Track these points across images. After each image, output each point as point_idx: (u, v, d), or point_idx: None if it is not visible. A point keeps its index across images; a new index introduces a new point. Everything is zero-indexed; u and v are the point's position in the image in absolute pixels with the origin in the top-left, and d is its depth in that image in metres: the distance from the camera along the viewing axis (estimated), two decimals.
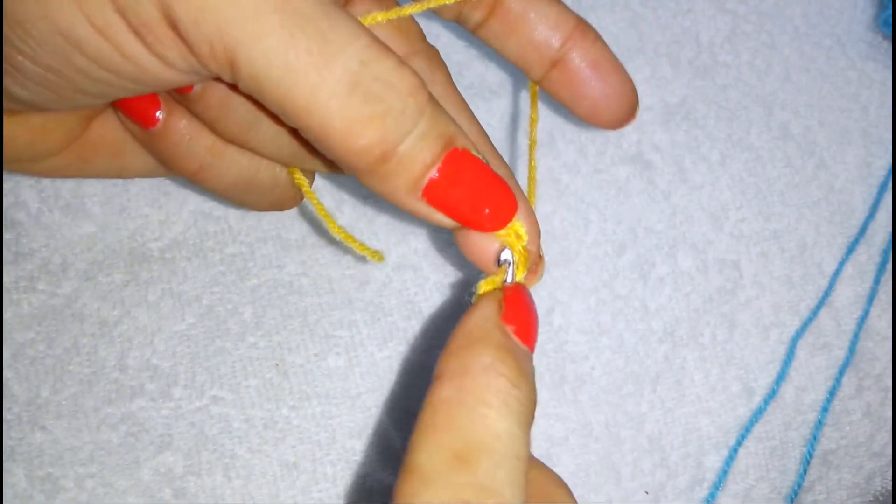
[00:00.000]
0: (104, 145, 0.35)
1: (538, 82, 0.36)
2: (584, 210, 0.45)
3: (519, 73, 0.40)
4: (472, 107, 0.45)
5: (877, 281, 0.45)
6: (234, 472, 0.39)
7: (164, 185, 0.42)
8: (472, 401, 0.25)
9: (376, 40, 0.27)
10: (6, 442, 0.38)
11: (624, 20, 0.48)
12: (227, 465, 0.39)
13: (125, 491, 0.38)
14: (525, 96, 0.46)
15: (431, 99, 0.28)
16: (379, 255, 0.36)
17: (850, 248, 0.45)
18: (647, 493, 0.41)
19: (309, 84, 0.26)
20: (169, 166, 0.35)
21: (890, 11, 0.48)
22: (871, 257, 0.46)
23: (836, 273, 0.45)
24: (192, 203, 0.42)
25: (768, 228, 0.45)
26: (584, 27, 0.35)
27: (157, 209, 0.42)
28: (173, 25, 0.26)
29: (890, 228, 0.46)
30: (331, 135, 0.27)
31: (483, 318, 0.27)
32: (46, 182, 0.42)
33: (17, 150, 0.32)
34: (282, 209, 0.38)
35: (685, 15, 0.49)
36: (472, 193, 0.29)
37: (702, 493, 0.41)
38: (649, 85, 0.47)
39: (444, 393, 0.25)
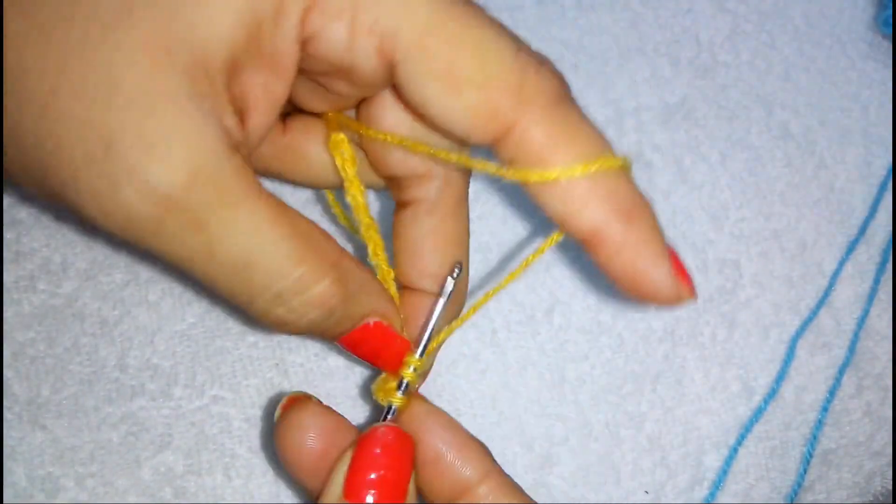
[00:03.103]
0: (297, 151, 0.36)
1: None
2: None
3: None
4: None
5: (877, 281, 0.45)
6: (235, 472, 0.39)
7: None
8: None
9: (302, 266, 0.29)
10: (6, 441, 0.38)
11: (624, 20, 0.48)
12: (227, 464, 0.39)
13: (125, 490, 0.38)
14: None
15: (346, 297, 0.31)
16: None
17: (850, 248, 0.45)
18: (647, 492, 0.41)
19: (232, 301, 0.30)
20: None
21: (890, 11, 0.48)
22: (871, 257, 0.46)
23: (836, 273, 0.45)
24: None
25: (768, 228, 0.45)
26: (638, 214, 0.30)
27: None
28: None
29: (890, 228, 0.46)
30: (257, 320, 0.30)
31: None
32: None
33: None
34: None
35: (685, 15, 0.49)
36: (376, 350, 0.34)
37: (702, 492, 0.41)
38: (649, 85, 0.47)
39: None
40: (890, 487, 0.42)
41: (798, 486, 0.41)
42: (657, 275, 0.30)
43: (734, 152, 0.47)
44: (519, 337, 0.42)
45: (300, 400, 0.33)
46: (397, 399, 0.33)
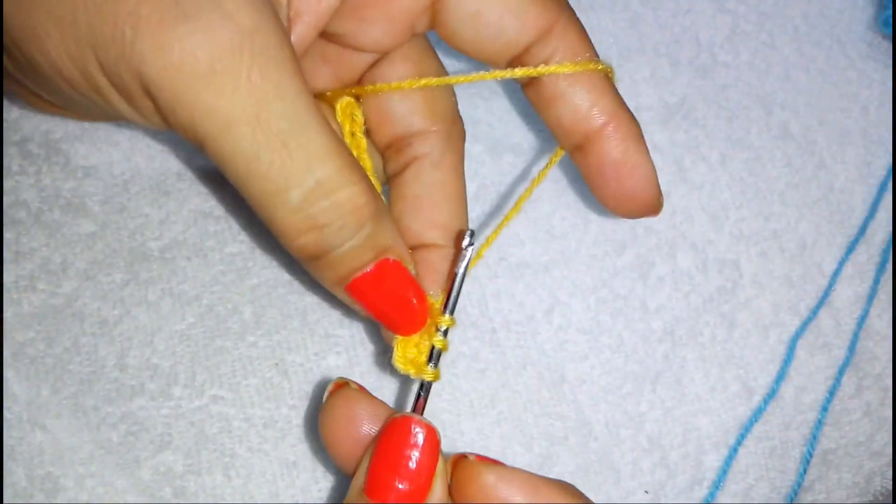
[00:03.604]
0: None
1: (565, 149, 0.37)
2: (584, 209, 0.45)
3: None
4: (471, 106, 0.45)
5: (877, 281, 0.45)
6: (234, 472, 0.39)
7: (165, 184, 0.43)
8: None
9: (340, 160, 0.29)
10: (6, 441, 0.38)
11: (624, 20, 0.48)
12: (226, 464, 0.39)
13: (125, 490, 0.38)
14: (516, 99, 0.46)
15: (375, 214, 0.31)
16: None
17: (850, 248, 0.45)
18: (646, 492, 0.41)
19: (265, 190, 0.29)
20: None
21: (890, 11, 0.48)
22: (871, 257, 0.46)
23: (836, 273, 0.45)
24: (192, 202, 0.42)
25: (768, 228, 0.45)
26: (621, 114, 0.35)
27: (157, 208, 0.42)
28: (153, 99, 0.28)
29: (890, 228, 0.46)
30: (274, 226, 0.30)
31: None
32: (47, 181, 0.42)
33: None
34: None
35: (685, 15, 0.49)
36: (391, 298, 0.33)
37: (701, 492, 0.41)
38: (649, 85, 0.47)
39: None
40: (890, 487, 0.42)
41: (798, 486, 0.41)
42: (650, 170, 0.36)
43: (734, 152, 0.47)
44: (519, 337, 0.42)
45: (344, 385, 0.33)
46: (429, 373, 0.32)
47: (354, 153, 0.36)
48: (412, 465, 0.30)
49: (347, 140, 0.36)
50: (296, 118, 0.28)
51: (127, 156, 0.43)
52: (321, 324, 0.41)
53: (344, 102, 0.35)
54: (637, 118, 0.46)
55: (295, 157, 0.28)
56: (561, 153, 0.37)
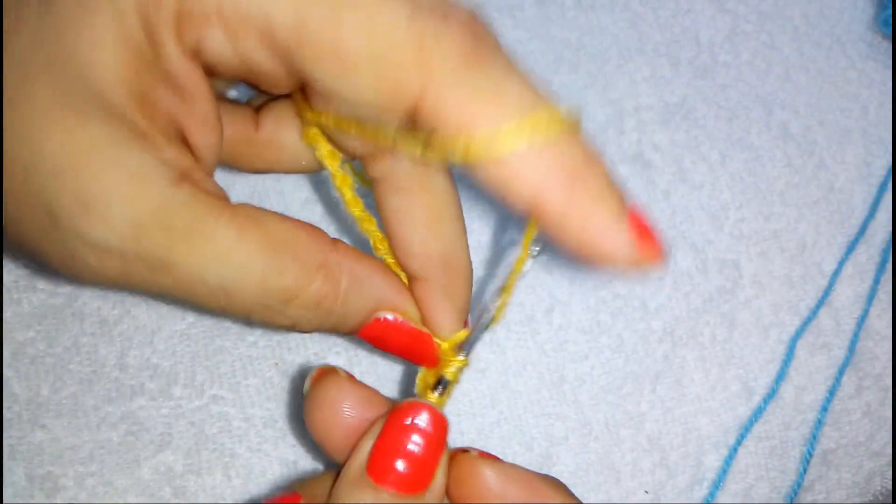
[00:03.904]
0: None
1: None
2: None
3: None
4: None
5: (877, 281, 0.45)
6: (234, 471, 0.39)
7: None
8: None
9: (290, 275, 0.28)
10: (6, 440, 0.38)
11: (624, 20, 0.48)
12: (226, 463, 0.39)
13: (125, 489, 0.38)
14: None
15: (346, 290, 0.30)
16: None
17: (850, 248, 0.45)
18: (646, 492, 0.41)
19: (231, 318, 0.30)
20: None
21: (890, 11, 0.48)
22: (870, 257, 0.46)
23: (836, 273, 0.45)
24: None
25: (768, 228, 0.45)
26: (557, 184, 0.26)
27: None
28: None
29: (890, 228, 0.46)
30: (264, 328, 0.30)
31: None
32: None
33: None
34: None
35: (685, 15, 0.49)
36: (396, 344, 0.33)
37: (701, 492, 0.41)
38: (649, 85, 0.47)
39: None
40: (890, 487, 0.42)
41: (798, 486, 0.41)
42: (610, 237, 0.27)
43: (734, 152, 0.47)
44: (519, 337, 0.42)
45: (331, 372, 0.32)
46: (432, 398, 0.32)
47: (332, 180, 0.33)
48: (418, 450, 0.29)
49: (326, 161, 0.33)
50: (223, 271, 0.27)
51: None
52: None
53: (309, 135, 0.33)
54: (637, 118, 0.46)
55: (239, 300, 0.28)
56: (534, 227, 0.29)
